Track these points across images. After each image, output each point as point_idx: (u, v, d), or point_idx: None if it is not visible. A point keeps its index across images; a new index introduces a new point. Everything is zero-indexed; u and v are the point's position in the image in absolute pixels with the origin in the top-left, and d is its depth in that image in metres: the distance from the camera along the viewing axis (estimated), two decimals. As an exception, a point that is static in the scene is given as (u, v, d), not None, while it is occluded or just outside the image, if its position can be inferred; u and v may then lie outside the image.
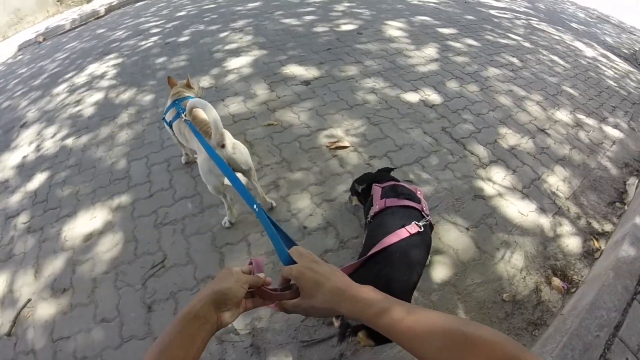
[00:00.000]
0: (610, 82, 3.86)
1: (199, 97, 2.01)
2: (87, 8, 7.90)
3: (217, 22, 4.98)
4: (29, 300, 1.94)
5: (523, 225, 1.98)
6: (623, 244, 1.71)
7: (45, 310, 1.87)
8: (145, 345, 1.60)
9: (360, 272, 1.06)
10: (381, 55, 3.63)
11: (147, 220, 2.10)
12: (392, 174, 1.74)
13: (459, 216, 1.99)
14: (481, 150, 2.45)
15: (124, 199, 2.28)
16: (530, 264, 1.78)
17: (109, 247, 2.03)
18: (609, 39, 5.59)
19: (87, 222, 2.20)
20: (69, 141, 2.96)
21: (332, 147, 2.44)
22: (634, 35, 6.64)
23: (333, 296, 0.55)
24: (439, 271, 1.73)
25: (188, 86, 2.12)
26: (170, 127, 2.02)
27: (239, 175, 1.87)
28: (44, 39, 6.80)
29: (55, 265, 2.05)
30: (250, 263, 0.72)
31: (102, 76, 3.97)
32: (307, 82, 3.19)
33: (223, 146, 1.60)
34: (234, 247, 1.89)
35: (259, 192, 1.97)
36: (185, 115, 1.72)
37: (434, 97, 2.98)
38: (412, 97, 2.97)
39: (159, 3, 7.07)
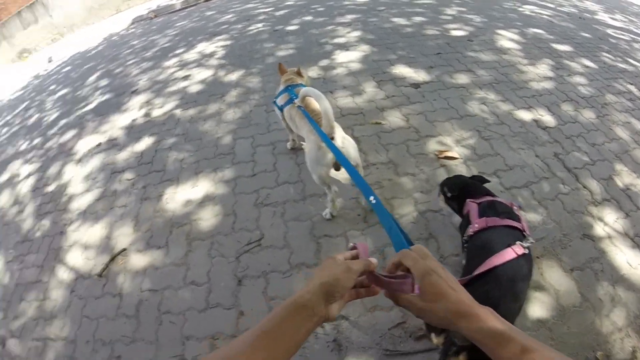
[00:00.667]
0: None
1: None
2: (197, -10, 8.94)
3: (324, 14, 5.32)
4: (124, 249, 2.29)
5: (630, 278, 1.86)
6: None
7: (138, 261, 2.19)
8: (230, 315, 1.79)
9: (467, 290, 1.09)
10: (493, 66, 3.59)
11: (248, 198, 2.33)
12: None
13: (565, 254, 1.92)
14: (594, 185, 2.32)
15: (227, 173, 2.56)
16: (631, 325, 1.68)
17: (207, 217, 2.29)
18: None
19: (189, 189, 2.51)
20: (177, 112, 3.41)
21: (441, 156, 2.47)
22: None
23: (456, 309, 0.55)
24: (536, 309, 1.69)
25: (298, 74, 2.29)
26: (281, 111, 2.22)
27: (342, 170, 1.97)
28: (156, 16, 7.86)
29: (153, 223, 2.38)
30: (354, 247, 0.72)
31: (211, 55, 4.49)
32: (416, 85, 3.26)
33: (332, 139, 1.66)
34: (332, 239, 2.01)
35: (363, 189, 2.06)
36: (297, 102, 1.89)
37: (547, 118, 2.89)
38: (524, 115, 2.90)
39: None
